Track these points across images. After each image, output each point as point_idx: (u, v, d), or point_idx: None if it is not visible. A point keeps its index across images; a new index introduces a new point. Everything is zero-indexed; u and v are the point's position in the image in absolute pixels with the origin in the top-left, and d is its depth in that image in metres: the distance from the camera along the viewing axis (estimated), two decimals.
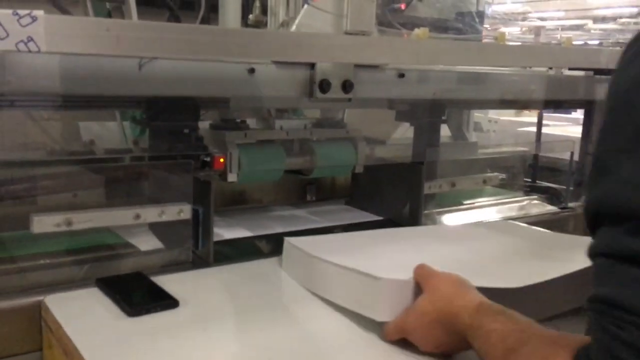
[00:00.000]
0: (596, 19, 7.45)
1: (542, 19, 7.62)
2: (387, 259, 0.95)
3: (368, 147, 1.31)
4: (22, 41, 0.75)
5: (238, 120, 1.22)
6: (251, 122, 1.26)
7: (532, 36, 7.66)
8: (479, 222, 1.35)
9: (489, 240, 1.13)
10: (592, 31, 7.67)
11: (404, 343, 0.78)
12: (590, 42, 7.69)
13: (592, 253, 0.50)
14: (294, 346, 0.79)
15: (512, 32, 7.95)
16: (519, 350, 0.58)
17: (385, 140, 1.46)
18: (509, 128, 2.82)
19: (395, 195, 1.37)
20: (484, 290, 0.75)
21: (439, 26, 1.92)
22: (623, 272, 0.46)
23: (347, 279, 0.85)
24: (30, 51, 0.75)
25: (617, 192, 0.47)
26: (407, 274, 0.80)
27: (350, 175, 1.52)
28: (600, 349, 0.47)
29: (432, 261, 0.82)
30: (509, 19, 7.38)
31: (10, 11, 0.74)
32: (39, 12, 0.75)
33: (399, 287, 0.79)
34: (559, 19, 7.68)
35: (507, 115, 3.42)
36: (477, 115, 3.16)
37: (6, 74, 0.85)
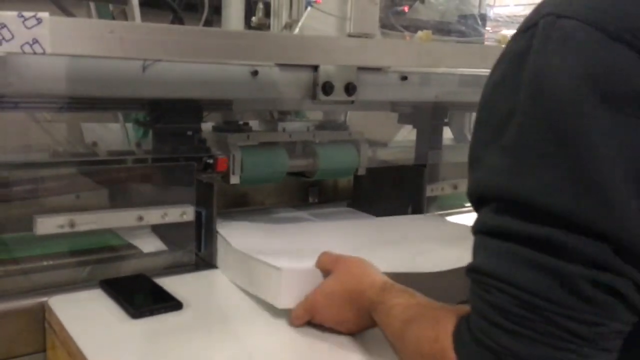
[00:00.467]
0: None
1: None
2: (301, 245, 1.01)
3: (370, 150, 1.31)
4: (27, 43, 0.75)
5: (241, 123, 1.23)
6: (254, 124, 1.26)
7: None
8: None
9: (415, 229, 1.22)
10: None
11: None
12: None
13: (472, 231, 0.57)
14: (298, 348, 0.79)
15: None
16: (414, 321, 0.64)
17: (388, 142, 1.46)
18: None
19: (397, 197, 1.37)
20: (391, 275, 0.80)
21: (442, 29, 1.92)
22: (490, 244, 0.53)
23: (251, 266, 0.91)
24: (35, 53, 0.75)
25: (484, 179, 0.56)
26: (310, 262, 0.86)
27: (352, 178, 1.52)
28: (474, 312, 0.54)
29: (345, 247, 0.90)
30: (512, 21, 7.40)
31: (15, 13, 0.74)
32: (44, 14, 0.76)
33: (299, 275, 0.85)
34: None
35: None
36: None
37: (10, 76, 0.85)
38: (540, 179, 0.50)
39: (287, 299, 0.84)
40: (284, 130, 1.23)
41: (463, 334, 0.55)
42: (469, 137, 1.93)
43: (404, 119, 1.38)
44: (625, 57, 0.47)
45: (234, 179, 1.14)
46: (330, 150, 1.27)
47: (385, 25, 1.47)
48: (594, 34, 0.48)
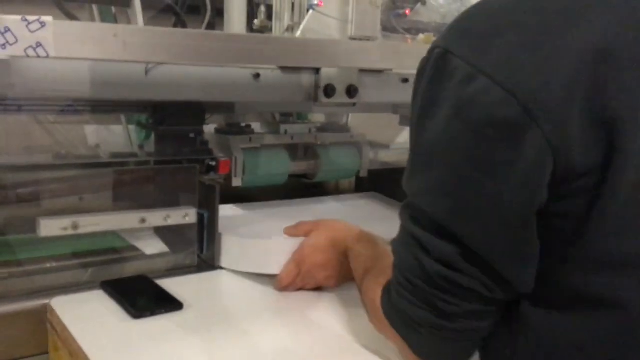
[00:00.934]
0: None
1: None
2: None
3: (372, 152, 1.32)
4: (31, 47, 0.76)
5: (243, 125, 1.23)
6: (256, 126, 1.27)
7: None
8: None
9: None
10: None
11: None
12: None
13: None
14: (300, 350, 0.79)
15: None
16: (370, 271, 0.78)
17: (389, 144, 1.46)
18: None
19: (398, 199, 1.37)
20: None
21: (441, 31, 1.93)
22: (400, 230, 0.67)
23: (244, 246, 1.02)
24: (38, 56, 0.76)
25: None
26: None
27: (354, 180, 1.53)
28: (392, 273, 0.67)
29: None
30: None
31: (19, 17, 0.75)
32: (47, 18, 0.76)
33: (287, 244, 0.97)
34: None
35: None
36: None
37: (13, 78, 0.86)
38: (419, 184, 0.62)
39: (277, 266, 0.96)
40: (285, 132, 1.24)
41: (386, 289, 0.69)
42: None
43: (405, 121, 1.38)
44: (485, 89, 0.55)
45: (236, 182, 1.15)
46: (332, 152, 1.27)
47: (386, 28, 1.47)
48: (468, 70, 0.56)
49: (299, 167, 1.25)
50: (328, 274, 0.94)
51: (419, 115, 0.62)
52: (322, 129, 1.32)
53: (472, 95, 0.55)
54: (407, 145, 1.42)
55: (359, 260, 0.84)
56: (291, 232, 1.01)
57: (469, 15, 0.61)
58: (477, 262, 0.58)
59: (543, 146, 0.53)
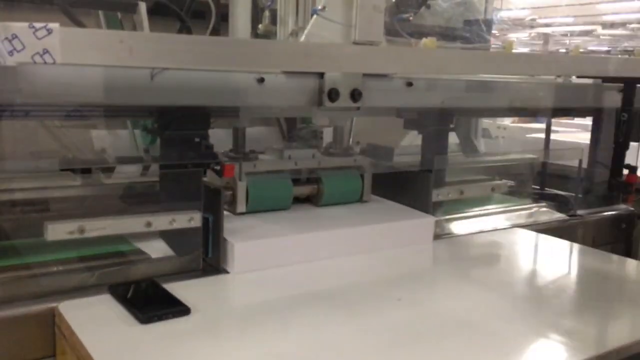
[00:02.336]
0: (605, 25, 7.43)
1: (549, 25, 7.62)
2: None
3: (377, 159, 1.32)
4: (37, 53, 0.76)
5: (247, 151, 1.25)
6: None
7: (541, 42, 7.65)
8: None
9: None
10: (602, 37, 7.65)
11: (410, 348, 0.79)
12: (599, 48, 7.66)
13: None
14: (305, 353, 0.79)
15: (521, 38, 7.95)
16: None
17: (394, 148, 1.47)
18: (518, 134, 2.82)
19: (404, 202, 1.38)
20: None
21: (447, 35, 1.93)
22: None
23: None
24: (45, 63, 0.77)
25: None
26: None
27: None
28: None
29: None
30: (519, 24, 7.39)
31: (26, 24, 0.76)
32: (54, 25, 0.77)
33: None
34: (566, 24, 7.66)
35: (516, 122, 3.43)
36: (486, 121, 3.16)
37: (20, 84, 0.87)
38: None
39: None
40: (289, 157, 1.25)
41: None
42: (475, 142, 1.95)
43: (409, 125, 1.39)
44: None
45: (241, 207, 1.16)
46: (335, 178, 1.29)
47: (390, 32, 1.48)
48: None
49: (303, 191, 1.27)
50: None
51: None
52: (326, 151, 1.33)
53: None
54: (412, 150, 1.44)
55: None
56: None
57: None
58: None
59: None
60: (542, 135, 1.80)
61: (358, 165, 1.32)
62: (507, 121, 3.52)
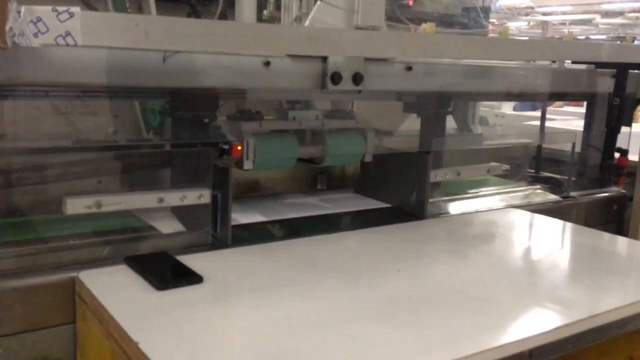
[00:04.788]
0: (604, 13, 7.45)
1: (547, 14, 7.63)
2: None
3: (377, 137, 1.37)
4: (60, 35, 0.81)
5: (253, 112, 1.29)
6: (266, 114, 1.32)
7: (540, 31, 7.67)
8: None
9: None
10: (600, 25, 7.68)
11: (410, 312, 0.85)
12: (598, 37, 7.68)
13: None
14: (307, 317, 0.85)
15: (520, 27, 7.97)
16: None
17: (394, 130, 1.52)
18: (515, 122, 2.87)
19: (403, 183, 1.43)
20: None
21: (446, 21, 1.98)
22: None
23: None
24: (67, 45, 0.82)
25: None
26: None
27: (359, 165, 1.58)
28: None
29: None
30: (518, 13, 7.40)
31: (50, 8, 0.80)
32: (76, 9, 0.82)
33: None
34: (563, 13, 7.68)
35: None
36: (483, 109, 3.21)
37: (41, 66, 0.92)
38: None
39: None
40: (294, 118, 1.29)
41: None
42: (472, 127, 2.00)
43: (409, 108, 1.44)
44: None
45: (247, 165, 1.20)
46: (338, 138, 1.32)
47: (391, 18, 1.53)
48: None
49: (307, 152, 1.30)
50: None
51: None
52: (329, 115, 1.37)
53: None
54: (411, 132, 1.49)
55: None
56: None
57: None
58: None
59: None
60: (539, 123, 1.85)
61: (360, 127, 1.35)
62: (505, 109, 3.57)
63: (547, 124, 1.91)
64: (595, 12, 7.46)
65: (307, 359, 0.74)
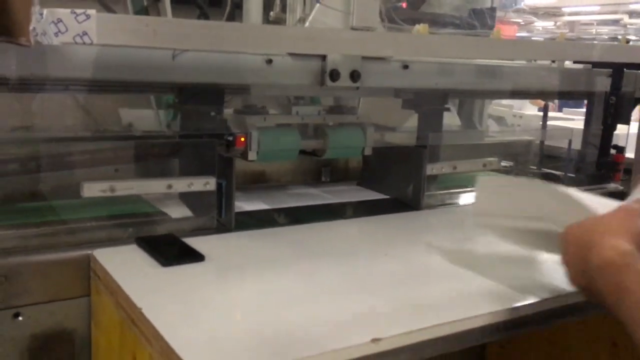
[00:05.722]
0: (632, 13, 7.38)
1: (574, 14, 7.59)
2: None
3: (377, 132, 1.45)
4: (78, 35, 0.91)
5: (259, 106, 1.37)
6: (272, 108, 1.41)
7: (567, 31, 7.63)
8: None
9: None
10: (628, 26, 7.61)
11: (404, 288, 0.93)
12: (625, 37, 7.59)
13: None
14: (300, 291, 0.94)
15: (547, 27, 7.93)
16: None
17: (395, 126, 1.59)
18: (533, 122, 2.91)
19: (401, 176, 1.51)
20: None
21: (452, 22, 2.04)
22: None
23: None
24: (84, 43, 0.92)
25: None
26: None
27: (361, 158, 1.66)
28: None
29: None
30: (547, 13, 7.37)
31: (69, 10, 0.90)
32: (92, 11, 0.91)
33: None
34: (590, 13, 7.63)
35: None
36: (502, 109, 3.26)
37: (61, 62, 1.02)
38: None
39: None
40: (297, 113, 1.37)
41: None
42: (477, 124, 2.06)
43: (407, 105, 1.51)
44: None
45: (251, 155, 1.29)
46: (339, 132, 1.40)
47: (392, 20, 1.60)
48: None
49: (309, 144, 1.39)
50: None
51: None
52: (331, 111, 1.45)
53: None
54: (409, 128, 1.56)
55: None
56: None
57: None
58: None
59: None
60: (559, 123, 1.90)
61: (360, 122, 1.43)
62: (527, 110, 3.61)
63: (563, 123, 1.96)
64: (624, 13, 7.39)
65: (295, 325, 0.82)
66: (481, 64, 1.53)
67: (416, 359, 0.80)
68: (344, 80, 1.26)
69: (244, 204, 1.38)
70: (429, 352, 0.81)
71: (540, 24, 7.84)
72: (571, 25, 7.83)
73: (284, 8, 1.43)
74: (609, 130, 1.72)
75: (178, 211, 1.24)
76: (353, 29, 1.22)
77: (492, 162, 1.61)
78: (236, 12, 1.45)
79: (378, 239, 1.22)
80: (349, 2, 1.21)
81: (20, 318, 0.98)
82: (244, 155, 1.27)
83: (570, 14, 7.61)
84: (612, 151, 1.75)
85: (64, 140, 1.16)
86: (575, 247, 0.75)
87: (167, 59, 1.10)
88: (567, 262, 0.78)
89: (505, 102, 3.15)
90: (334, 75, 1.24)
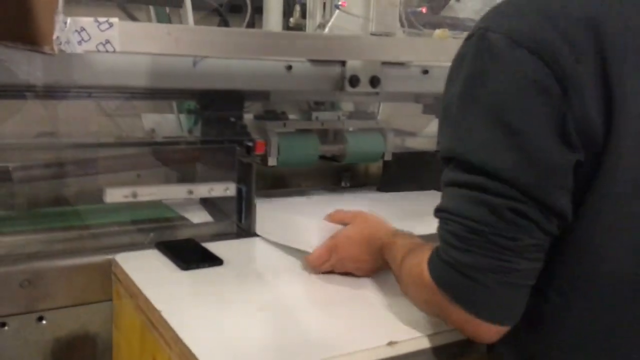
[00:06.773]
0: None
1: None
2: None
3: (397, 137, 1.44)
4: (101, 43, 0.93)
5: (279, 112, 1.38)
6: (291, 115, 1.42)
7: None
8: None
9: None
10: None
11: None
12: None
13: (441, 183, 0.75)
14: (318, 296, 0.95)
15: None
16: (408, 254, 0.83)
17: (415, 131, 1.59)
18: None
19: (421, 181, 1.50)
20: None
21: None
22: (447, 191, 0.73)
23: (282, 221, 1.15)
24: (107, 51, 0.93)
25: (441, 145, 0.74)
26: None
27: (381, 164, 1.65)
28: (439, 239, 0.73)
29: None
30: None
31: (92, 19, 0.92)
32: (114, 20, 0.93)
33: (322, 227, 1.04)
34: None
35: None
36: None
37: (85, 70, 1.04)
38: (468, 143, 0.70)
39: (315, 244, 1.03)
40: (316, 118, 1.38)
41: (433, 256, 0.74)
42: None
43: (427, 110, 1.51)
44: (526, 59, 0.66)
45: (272, 161, 1.29)
46: (358, 137, 1.40)
47: (412, 25, 1.59)
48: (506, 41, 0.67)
49: (328, 149, 1.39)
50: (358, 265, 0.99)
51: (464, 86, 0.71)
52: (350, 116, 1.45)
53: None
54: (429, 133, 1.55)
55: (397, 248, 0.88)
56: (327, 218, 1.06)
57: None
58: (533, 195, 0.66)
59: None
60: None
61: (380, 127, 1.43)
62: None
63: None
64: None
65: (313, 329, 0.83)
66: None
67: None
68: (364, 86, 1.26)
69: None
70: (445, 357, 0.81)
71: None
72: None
73: (303, 14, 1.43)
74: None
75: (199, 216, 1.25)
76: (373, 34, 1.22)
77: None
78: (256, 18, 1.46)
79: None
80: (368, 7, 1.22)
81: (44, 322, 1.00)
82: (263, 161, 1.28)
83: None
84: None
85: (88, 146, 1.18)
86: (359, 244, 0.99)
87: (189, 66, 1.11)
88: (362, 259, 0.99)
89: None
90: (354, 81, 1.25)
